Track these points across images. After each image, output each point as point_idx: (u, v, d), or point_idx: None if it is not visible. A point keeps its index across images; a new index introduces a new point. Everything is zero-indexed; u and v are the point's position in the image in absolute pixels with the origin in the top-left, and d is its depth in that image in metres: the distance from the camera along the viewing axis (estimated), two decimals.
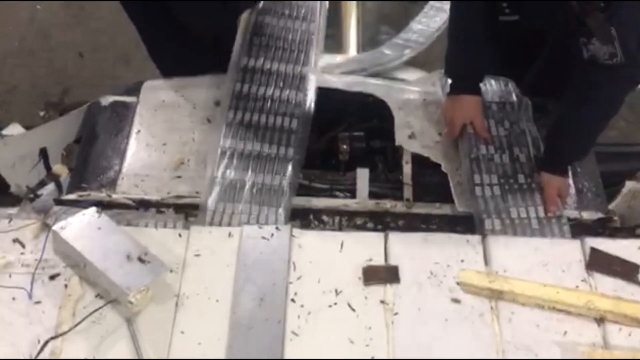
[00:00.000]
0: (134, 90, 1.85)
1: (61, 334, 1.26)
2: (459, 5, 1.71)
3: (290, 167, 1.62)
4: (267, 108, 1.72)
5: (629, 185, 1.62)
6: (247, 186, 1.57)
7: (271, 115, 1.70)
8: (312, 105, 1.74)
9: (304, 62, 1.80)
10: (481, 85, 1.77)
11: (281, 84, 1.76)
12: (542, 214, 1.57)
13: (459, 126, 1.70)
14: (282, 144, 1.66)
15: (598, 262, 1.43)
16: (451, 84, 1.75)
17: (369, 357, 1.28)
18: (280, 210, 1.53)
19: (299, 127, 1.69)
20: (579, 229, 1.55)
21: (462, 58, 1.73)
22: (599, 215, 1.63)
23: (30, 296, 1.34)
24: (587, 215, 1.62)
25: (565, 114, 1.62)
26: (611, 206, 1.66)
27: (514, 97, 1.83)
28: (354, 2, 2.91)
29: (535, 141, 1.73)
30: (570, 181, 1.69)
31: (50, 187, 1.71)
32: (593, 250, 1.45)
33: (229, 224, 1.50)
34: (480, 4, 1.64)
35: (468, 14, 1.67)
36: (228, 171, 1.59)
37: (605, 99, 1.55)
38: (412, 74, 2.27)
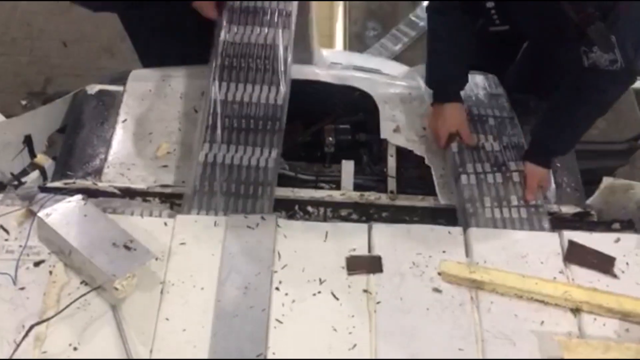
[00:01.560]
0: (120, 79, 1.85)
1: (46, 320, 1.27)
2: (436, 14, 1.72)
3: (273, 157, 1.60)
4: (246, 99, 1.67)
5: (607, 181, 1.66)
6: (231, 176, 1.57)
7: (252, 105, 1.67)
8: (287, 95, 1.70)
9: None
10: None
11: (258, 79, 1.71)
12: (524, 209, 1.59)
13: (444, 137, 1.70)
14: (266, 135, 1.64)
15: (575, 255, 1.47)
16: (433, 94, 1.76)
17: (352, 345, 1.30)
18: (264, 201, 1.54)
19: (279, 117, 1.66)
20: (558, 223, 1.59)
21: (442, 67, 1.74)
22: (578, 209, 1.67)
23: (14, 282, 1.33)
24: (565, 209, 1.66)
25: (557, 110, 1.66)
26: (589, 201, 1.70)
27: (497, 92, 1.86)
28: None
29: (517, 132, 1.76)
30: (551, 175, 1.73)
31: (35, 174, 1.71)
32: (571, 243, 1.48)
33: (212, 213, 1.50)
34: (457, 12, 1.66)
35: (445, 22, 1.69)
36: (211, 160, 1.58)
37: (600, 100, 1.60)
38: (396, 69, 2.30)
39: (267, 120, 1.63)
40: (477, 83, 1.87)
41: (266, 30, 1.73)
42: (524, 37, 1.93)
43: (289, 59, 1.70)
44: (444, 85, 1.74)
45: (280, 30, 1.72)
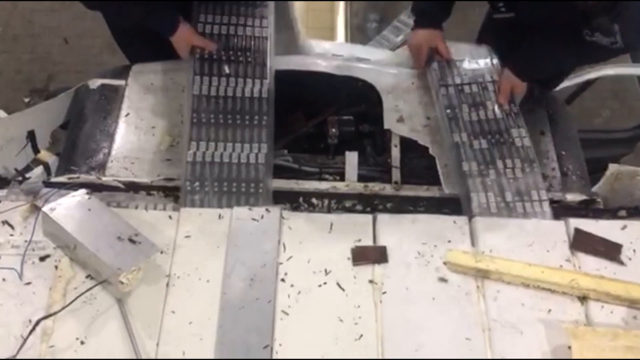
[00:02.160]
0: (122, 73, 1.85)
1: (52, 314, 1.27)
2: None
3: (264, 147, 1.59)
4: (230, 93, 1.67)
5: (612, 168, 1.65)
6: (224, 169, 1.56)
7: (238, 94, 1.67)
8: (272, 84, 1.70)
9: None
10: None
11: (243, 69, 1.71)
12: (527, 198, 1.58)
13: (424, 53, 1.81)
14: (253, 130, 1.62)
15: (582, 242, 1.46)
16: (415, 20, 1.88)
17: (358, 335, 1.30)
18: (260, 192, 1.53)
19: (267, 107, 1.66)
20: (564, 211, 1.58)
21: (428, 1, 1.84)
22: (583, 197, 1.66)
23: (20, 277, 1.34)
24: (571, 197, 1.65)
25: (547, 41, 1.69)
26: (595, 188, 1.69)
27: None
28: None
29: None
30: (556, 164, 1.72)
31: (39, 170, 1.71)
32: (577, 230, 1.48)
33: (205, 205, 1.50)
34: None
35: None
36: (203, 154, 1.57)
37: (589, 60, 1.78)
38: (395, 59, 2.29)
39: (253, 115, 1.63)
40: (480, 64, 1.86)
41: (244, 20, 1.75)
42: (528, 24, 1.92)
43: (271, 50, 1.71)
44: (427, 14, 1.85)
45: (259, 20, 1.75)
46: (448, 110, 1.71)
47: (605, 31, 1.50)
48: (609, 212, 1.61)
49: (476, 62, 1.84)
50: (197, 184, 1.53)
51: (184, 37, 1.69)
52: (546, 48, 1.70)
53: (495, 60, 1.83)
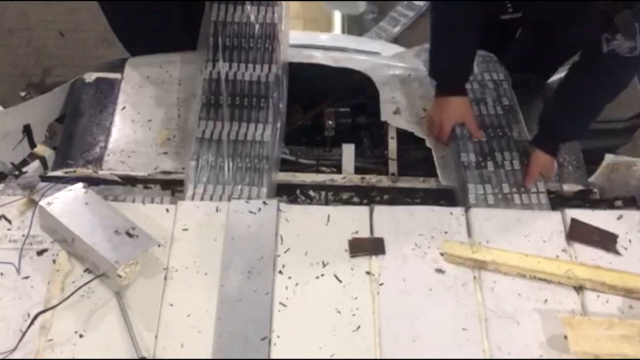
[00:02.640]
0: (118, 66, 1.84)
1: (51, 308, 1.27)
2: (441, 6, 1.65)
3: (270, 143, 1.61)
4: (242, 81, 1.70)
5: (609, 158, 1.65)
6: (230, 162, 1.57)
7: (246, 88, 1.68)
8: (283, 76, 1.73)
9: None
10: None
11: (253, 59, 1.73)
12: (524, 189, 1.59)
13: (449, 128, 1.66)
14: (259, 120, 1.64)
15: (578, 233, 1.47)
16: (437, 86, 1.70)
17: (356, 326, 1.31)
18: (264, 187, 1.54)
19: (276, 99, 1.67)
20: (560, 201, 1.59)
21: (448, 60, 1.67)
22: (580, 187, 1.66)
23: (18, 271, 1.34)
24: (567, 187, 1.66)
25: (568, 94, 1.62)
26: (591, 179, 1.69)
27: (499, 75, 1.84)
28: None
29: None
30: None
31: (35, 164, 1.71)
32: (573, 221, 1.48)
33: (211, 199, 1.50)
34: (463, 3, 1.60)
35: (452, 9, 1.61)
36: (208, 146, 1.58)
37: (615, 84, 1.57)
38: (395, 51, 2.29)
39: (260, 97, 1.64)
40: (479, 66, 1.85)
41: (257, 8, 1.74)
42: (536, 23, 1.89)
43: (281, 35, 1.70)
44: (449, 77, 1.69)
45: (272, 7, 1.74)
46: None
47: (628, 31, 1.37)
48: (606, 202, 1.62)
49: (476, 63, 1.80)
50: (205, 157, 1.55)
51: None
52: (568, 106, 1.61)
53: (493, 60, 1.82)
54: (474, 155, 1.63)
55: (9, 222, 1.42)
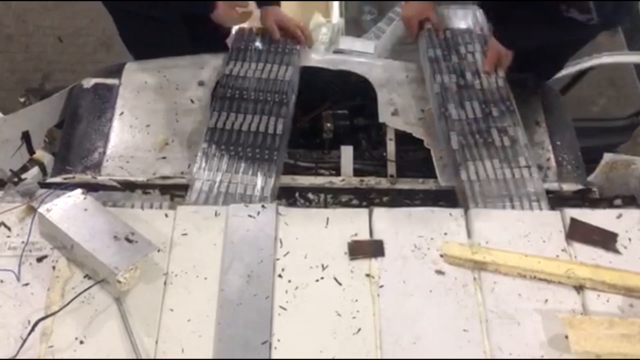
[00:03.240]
0: (116, 72, 1.84)
1: (51, 315, 1.27)
2: None
3: (276, 147, 1.62)
4: (253, 89, 1.75)
5: (607, 157, 1.65)
6: (234, 166, 1.58)
7: (259, 95, 1.73)
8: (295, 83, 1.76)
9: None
10: None
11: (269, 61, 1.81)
12: (523, 190, 1.58)
13: (415, 24, 1.89)
14: (269, 125, 1.67)
15: (578, 232, 1.46)
16: None
17: (356, 329, 1.31)
18: (267, 190, 1.54)
19: (285, 108, 1.70)
20: (559, 201, 1.58)
21: None
22: (579, 186, 1.66)
23: (18, 278, 1.34)
24: (567, 187, 1.66)
25: (530, 15, 1.71)
26: (590, 178, 1.69)
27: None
28: None
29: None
30: (551, 154, 1.73)
31: (34, 170, 1.71)
32: (573, 220, 1.48)
33: (215, 203, 1.51)
34: None
35: None
36: (216, 151, 1.60)
37: (570, 35, 1.75)
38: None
39: (274, 94, 1.72)
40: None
41: None
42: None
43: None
44: None
45: None
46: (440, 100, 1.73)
47: (580, 7, 1.53)
48: (605, 202, 1.62)
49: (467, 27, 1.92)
50: (214, 146, 1.60)
51: (225, 10, 1.75)
52: (528, 19, 1.72)
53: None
54: (470, 157, 1.62)
55: (9, 229, 1.42)
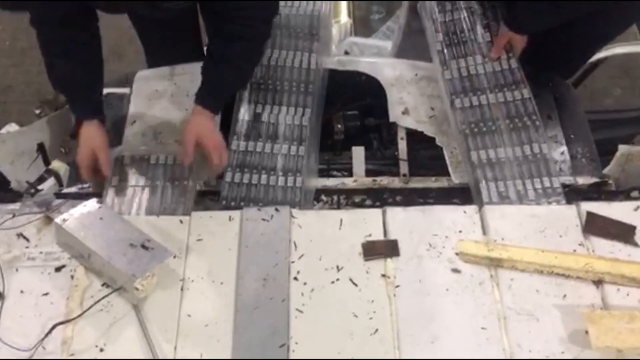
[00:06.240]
0: (126, 81, 1.86)
1: (70, 320, 1.29)
2: None
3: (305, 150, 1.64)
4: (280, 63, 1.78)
5: (623, 148, 1.63)
6: (263, 171, 1.60)
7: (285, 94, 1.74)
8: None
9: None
10: None
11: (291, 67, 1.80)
12: (538, 184, 1.56)
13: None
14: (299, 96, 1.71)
15: (594, 226, 1.45)
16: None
17: (374, 330, 1.31)
18: (298, 193, 1.55)
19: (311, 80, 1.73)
20: (575, 194, 1.57)
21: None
22: (594, 179, 1.64)
23: (38, 289, 1.36)
24: (582, 180, 1.64)
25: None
26: (606, 170, 1.67)
27: None
28: None
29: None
30: (564, 148, 1.71)
31: (51, 181, 1.73)
32: (589, 214, 1.46)
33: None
34: None
35: None
36: (243, 154, 1.63)
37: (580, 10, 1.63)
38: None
39: (300, 83, 1.73)
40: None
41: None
42: None
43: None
44: None
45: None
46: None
47: None
48: (622, 194, 1.59)
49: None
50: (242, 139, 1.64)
51: (88, 141, 1.53)
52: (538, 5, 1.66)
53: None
54: (484, 152, 1.60)
55: (27, 240, 1.44)
